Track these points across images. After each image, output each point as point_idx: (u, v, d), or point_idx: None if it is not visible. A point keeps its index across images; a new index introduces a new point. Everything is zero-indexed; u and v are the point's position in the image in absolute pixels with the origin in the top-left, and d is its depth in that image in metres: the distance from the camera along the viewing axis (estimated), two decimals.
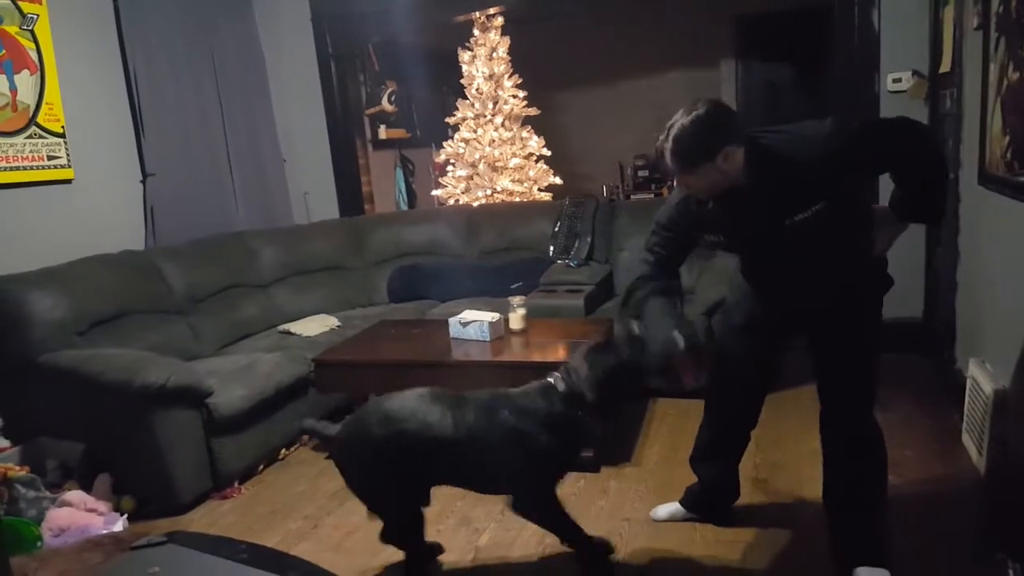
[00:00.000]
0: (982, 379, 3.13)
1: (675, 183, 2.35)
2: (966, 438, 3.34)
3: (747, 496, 3.01)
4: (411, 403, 2.47)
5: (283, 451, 3.90)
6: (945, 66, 4.05)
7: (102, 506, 3.18)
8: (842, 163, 2.16)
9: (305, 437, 4.04)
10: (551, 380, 2.50)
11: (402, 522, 2.59)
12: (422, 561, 2.69)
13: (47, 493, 3.17)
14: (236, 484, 3.57)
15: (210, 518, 3.32)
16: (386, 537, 2.64)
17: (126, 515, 3.22)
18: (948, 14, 3.97)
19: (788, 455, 3.40)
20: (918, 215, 2.42)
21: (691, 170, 2.22)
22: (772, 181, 2.22)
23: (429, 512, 2.59)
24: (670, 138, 2.20)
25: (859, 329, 2.41)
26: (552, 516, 2.57)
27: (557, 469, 2.61)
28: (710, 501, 2.92)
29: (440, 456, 2.42)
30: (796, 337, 2.60)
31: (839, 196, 2.22)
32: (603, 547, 2.69)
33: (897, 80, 4.45)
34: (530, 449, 2.41)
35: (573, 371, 2.46)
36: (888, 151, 2.25)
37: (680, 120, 2.20)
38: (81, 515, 3.09)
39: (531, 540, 2.89)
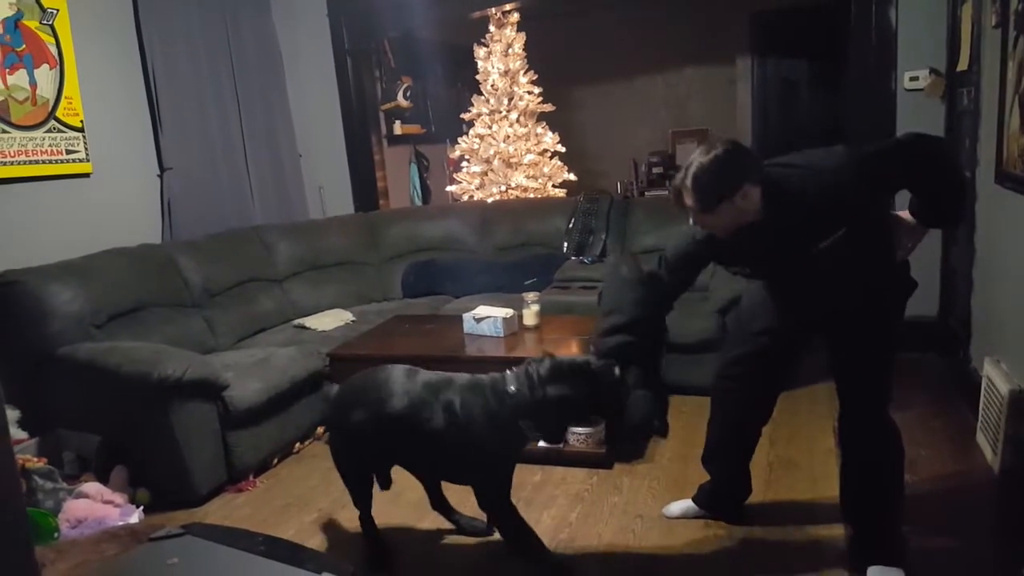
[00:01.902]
0: (997, 379, 3.12)
1: (692, 222, 2.33)
2: (980, 437, 3.32)
3: (760, 494, 3.01)
4: (380, 378, 2.60)
5: (297, 445, 3.93)
6: (963, 64, 4.03)
7: (118, 498, 3.21)
8: (857, 190, 2.18)
9: (320, 430, 4.06)
10: (507, 375, 2.45)
11: (355, 488, 2.79)
12: (373, 526, 2.84)
13: (64, 484, 3.20)
14: (251, 477, 3.59)
15: (225, 511, 3.34)
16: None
17: (142, 507, 3.24)
18: (966, 12, 3.95)
19: (802, 453, 3.40)
20: (938, 220, 2.43)
21: (711, 209, 2.22)
22: (790, 215, 2.22)
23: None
24: (688, 177, 2.20)
25: (879, 331, 2.41)
26: (502, 517, 2.55)
27: (500, 465, 2.55)
28: (722, 499, 2.92)
29: (390, 432, 2.53)
30: (814, 339, 2.59)
31: (859, 220, 2.23)
32: (560, 571, 2.64)
33: (914, 78, 4.43)
34: (468, 439, 2.42)
35: (531, 378, 2.38)
36: (902, 172, 2.25)
37: (698, 159, 2.20)
38: (98, 507, 3.11)
39: (543, 535, 2.89)
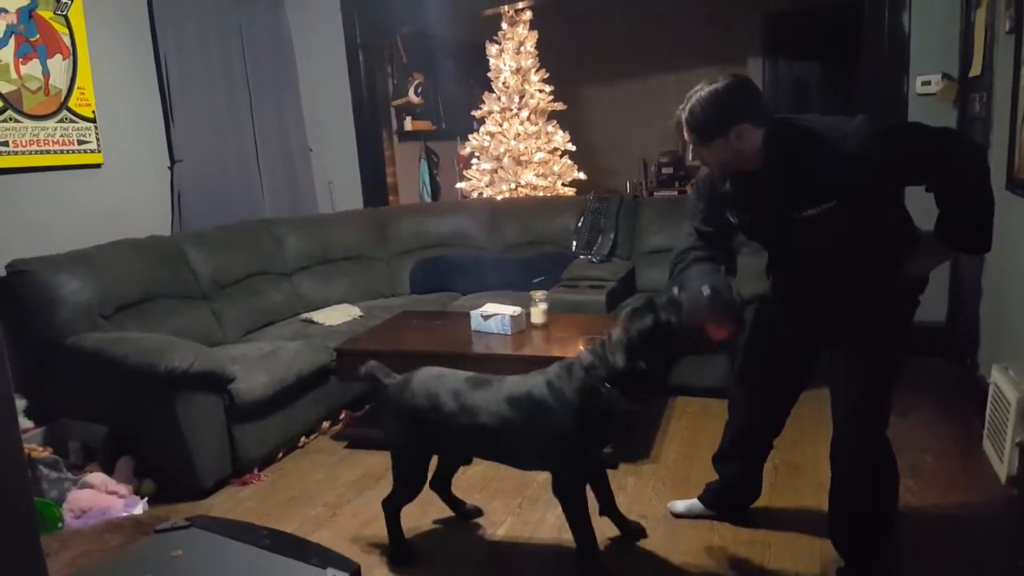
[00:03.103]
0: (1005, 386, 3.10)
1: (690, 155, 2.33)
2: (987, 444, 3.31)
3: (765, 496, 3.00)
4: (448, 378, 2.67)
5: (303, 439, 3.94)
6: (975, 70, 4.01)
7: (123, 489, 3.23)
8: (857, 163, 2.05)
9: (325, 424, 4.07)
10: (580, 352, 2.49)
11: (409, 480, 2.76)
12: (399, 522, 2.82)
13: (69, 474, 3.21)
14: (256, 470, 3.60)
15: (229, 503, 3.35)
16: (388, 503, 2.79)
17: (146, 498, 3.26)
18: (980, 17, 3.93)
19: (807, 457, 3.39)
20: (959, 242, 2.21)
21: (704, 142, 2.21)
22: (786, 169, 2.17)
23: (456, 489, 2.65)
24: (687, 108, 2.20)
25: (879, 349, 2.31)
26: (573, 506, 2.57)
27: (582, 448, 2.56)
28: (729, 499, 2.92)
29: (466, 432, 2.58)
30: (819, 349, 2.54)
31: (856, 198, 2.11)
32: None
33: (926, 83, 4.41)
34: (551, 425, 2.44)
35: (608, 338, 2.41)
36: (920, 163, 2.08)
37: (699, 91, 2.19)
38: (102, 497, 3.13)
39: (548, 534, 2.91)
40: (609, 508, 2.83)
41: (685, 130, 2.23)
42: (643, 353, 2.35)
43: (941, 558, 2.62)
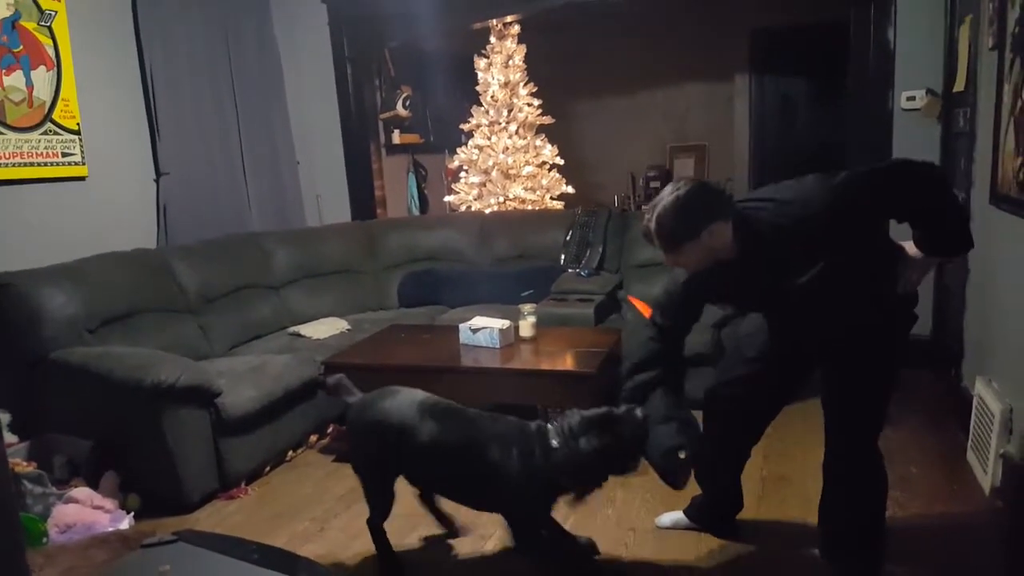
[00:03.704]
0: (989, 398, 3.13)
1: (664, 260, 2.34)
2: (971, 456, 3.33)
3: (752, 509, 3.01)
4: (404, 405, 2.63)
5: (290, 453, 3.92)
6: (959, 85, 4.05)
7: (108, 503, 3.20)
8: (830, 222, 2.13)
9: (313, 438, 4.05)
10: (550, 429, 2.47)
11: (376, 499, 2.74)
12: (386, 537, 2.79)
13: (54, 489, 3.18)
14: (243, 485, 3.58)
15: (216, 518, 3.33)
16: (370, 520, 2.77)
17: (132, 513, 3.23)
18: (964, 33, 3.98)
19: (795, 468, 3.40)
20: (942, 250, 2.32)
21: (676, 249, 2.22)
22: (764, 251, 2.20)
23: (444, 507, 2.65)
24: (654, 219, 2.21)
25: (877, 363, 2.35)
26: (529, 552, 2.56)
27: (535, 510, 2.56)
28: (714, 513, 2.92)
29: (429, 465, 2.60)
30: (810, 370, 2.56)
31: (840, 251, 2.18)
32: None
33: (911, 98, 4.46)
34: (508, 482, 2.45)
35: (568, 432, 2.42)
36: (880, 199, 2.18)
37: (663, 201, 2.20)
38: (87, 512, 3.10)
39: None
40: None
41: (656, 240, 2.24)
42: (598, 469, 2.43)
43: (926, 568, 2.63)
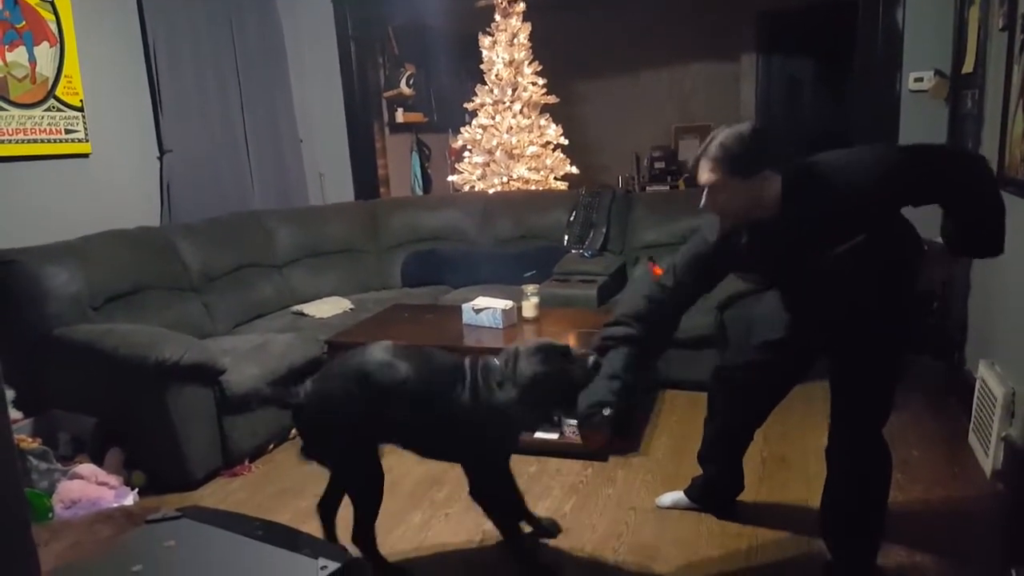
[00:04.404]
0: (991, 381, 3.13)
1: (703, 204, 2.23)
2: (973, 439, 3.34)
3: (752, 490, 3.02)
4: (377, 354, 2.48)
5: (294, 430, 3.93)
6: (968, 66, 4.02)
7: (113, 480, 3.22)
8: (884, 193, 2.09)
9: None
10: (494, 360, 2.49)
11: (367, 485, 2.54)
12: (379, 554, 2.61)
13: (59, 465, 3.20)
14: (247, 462, 3.60)
15: (220, 495, 3.35)
16: (357, 532, 2.55)
17: (136, 489, 3.25)
18: (973, 14, 3.94)
19: (795, 450, 3.41)
20: (973, 249, 2.30)
21: (725, 184, 2.13)
22: (809, 213, 2.14)
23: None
24: (715, 142, 2.14)
25: (885, 355, 2.32)
26: (491, 505, 2.56)
27: (491, 448, 2.54)
28: (714, 494, 2.94)
29: (394, 405, 2.42)
30: (820, 357, 2.51)
31: (881, 227, 2.14)
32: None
33: (919, 79, 4.42)
34: (461, 417, 2.43)
35: (514, 357, 2.44)
36: (937, 185, 2.13)
37: (723, 133, 2.14)
38: (92, 488, 3.12)
39: (469, 535, 2.90)
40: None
41: (707, 168, 2.15)
42: (534, 394, 2.41)
43: (927, 551, 2.63)
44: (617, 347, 2.42)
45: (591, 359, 2.39)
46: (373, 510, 2.53)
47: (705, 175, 2.17)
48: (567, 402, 2.43)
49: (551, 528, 2.86)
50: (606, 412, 2.32)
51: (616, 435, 2.55)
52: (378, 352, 2.48)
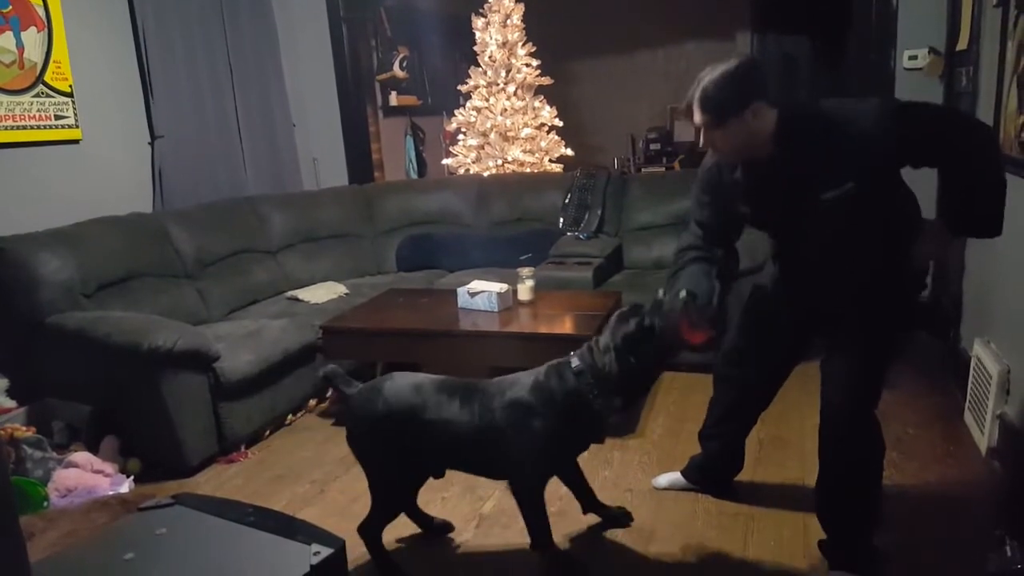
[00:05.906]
0: (987, 359, 3.13)
1: (701, 142, 2.27)
2: (968, 416, 3.34)
3: (750, 470, 3.02)
4: (415, 388, 2.45)
5: (290, 416, 3.93)
6: (962, 43, 4.00)
7: (109, 467, 3.21)
8: (880, 143, 2.07)
9: (312, 403, 4.06)
10: (570, 357, 2.42)
11: (390, 498, 2.55)
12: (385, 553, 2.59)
13: (54, 454, 3.20)
14: (243, 448, 3.60)
15: (216, 481, 3.35)
16: (366, 527, 2.54)
17: (132, 477, 3.25)
18: None
19: (792, 430, 3.41)
20: (969, 226, 2.25)
21: (719, 124, 2.16)
22: (802, 151, 2.15)
23: (433, 481, 2.59)
24: (699, 88, 2.16)
25: (874, 330, 2.30)
26: (532, 506, 2.49)
27: (564, 451, 2.52)
28: (712, 474, 2.93)
29: (445, 443, 2.42)
30: (816, 337, 2.50)
31: (871, 179, 2.12)
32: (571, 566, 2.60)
33: (913, 57, 4.41)
34: (536, 428, 2.35)
35: (595, 343, 2.39)
36: (939, 145, 2.10)
37: (710, 73, 2.15)
38: (88, 476, 3.12)
39: (515, 538, 2.89)
40: (592, 504, 2.79)
41: (698, 112, 2.17)
42: (630, 356, 2.33)
43: (922, 528, 2.64)
44: (685, 267, 2.45)
45: (660, 291, 2.38)
46: (389, 516, 2.55)
47: (698, 116, 2.19)
48: (654, 350, 2.37)
49: (622, 517, 2.81)
50: (682, 295, 2.31)
51: (719, 333, 2.52)
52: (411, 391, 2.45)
